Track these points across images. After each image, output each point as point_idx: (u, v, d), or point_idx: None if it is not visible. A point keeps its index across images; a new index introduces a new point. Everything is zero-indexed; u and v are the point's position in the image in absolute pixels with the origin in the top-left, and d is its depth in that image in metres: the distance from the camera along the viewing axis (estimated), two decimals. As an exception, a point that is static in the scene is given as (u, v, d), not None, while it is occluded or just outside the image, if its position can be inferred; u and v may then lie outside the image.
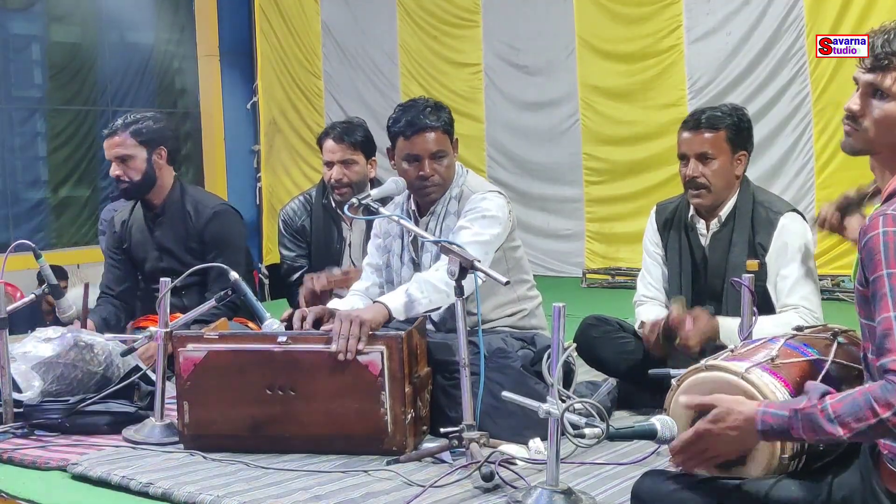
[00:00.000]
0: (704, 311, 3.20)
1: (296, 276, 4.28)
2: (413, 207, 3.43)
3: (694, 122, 3.32)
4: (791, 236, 3.24)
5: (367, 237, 3.99)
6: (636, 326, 3.48)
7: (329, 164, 4.14)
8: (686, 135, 3.33)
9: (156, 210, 4.25)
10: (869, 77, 1.94)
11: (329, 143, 4.13)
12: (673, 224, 3.47)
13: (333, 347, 2.86)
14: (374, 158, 4.20)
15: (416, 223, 3.38)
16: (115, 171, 4.14)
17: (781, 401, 1.94)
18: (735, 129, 3.29)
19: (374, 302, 3.05)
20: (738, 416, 1.95)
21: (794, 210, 3.34)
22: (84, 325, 3.86)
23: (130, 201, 4.38)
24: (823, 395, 1.84)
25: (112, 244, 4.40)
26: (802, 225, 3.29)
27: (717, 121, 3.29)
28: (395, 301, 2.98)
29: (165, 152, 4.18)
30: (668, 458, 2.32)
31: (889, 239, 1.80)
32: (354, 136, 4.11)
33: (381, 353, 2.85)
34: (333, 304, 3.39)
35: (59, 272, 6.93)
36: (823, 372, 2.13)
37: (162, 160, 4.17)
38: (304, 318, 3.11)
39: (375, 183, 4.04)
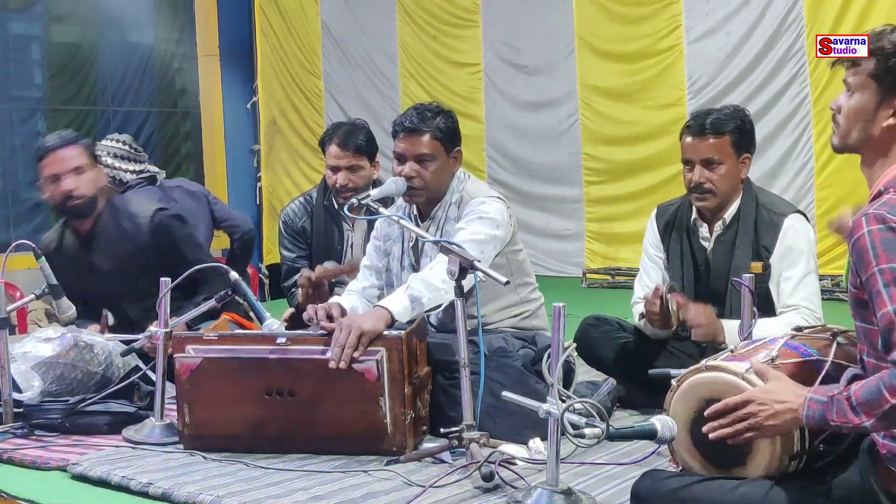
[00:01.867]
0: (709, 306, 3.20)
1: (296, 276, 4.28)
2: (415, 212, 3.43)
3: (698, 128, 3.27)
4: (795, 238, 3.23)
5: (368, 238, 3.99)
6: (636, 321, 3.46)
7: (334, 169, 4.11)
8: (690, 140, 3.29)
9: (86, 235, 3.90)
10: (845, 76, 2.05)
11: (333, 149, 4.09)
12: (674, 227, 3.46)
13: (328, 355, 2.85)
14: (377, 160, 4.19)
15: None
16: (64, 186, 3.74)
17: (823, 387, 1.96)
18: (739, 133, 3.26)
19: (376, 306, 3.04)
20: (789, 394, 1.97)
21: (797, 211, 3.33)
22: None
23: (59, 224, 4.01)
24: (851, 380, 1.86)
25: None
26: (806, 226, 3.29)
27: (722, 125, 3.25)
28: (396, 304, 2.97)
29: (105, 175, 3.93)
30: (668, 458, 2.33)
31: (875, 237, 1.84)
32: (357, 141, 4.08)
33: (377, 362, 2.84)
34: (335, 300, 3.38)
35: None
36: (823, 372, 2.13)
37: (102, 183, 3.91)
38: (316, 312, 3.08)
39: (376, 183, 4.04)
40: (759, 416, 1.98)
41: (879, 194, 1.94)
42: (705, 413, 2.08)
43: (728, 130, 3.25)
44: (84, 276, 3.88)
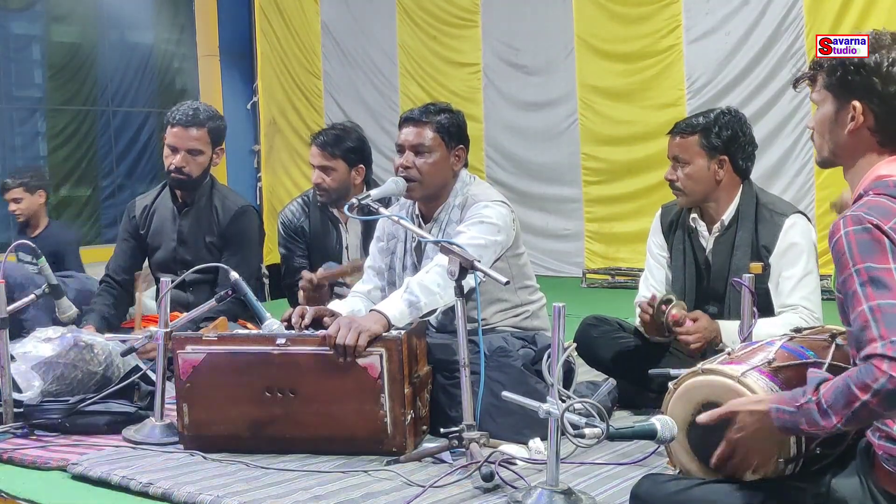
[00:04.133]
0: (704, 315, 3.20)
1: (296, 276, 4.29)
2: (417, 213, 3.44)
3: (674, 126, 3.37)
4: (796, 238, 3.23)
5: (365, 239, 3.99)
6: (637, 321, 3.47)
7: (312, 166, 4.25)
8: (669, 138, 3.38)
9: (185, 201, 4.33)
10: (810, 95, 2.11)
11: (312, 148, 4.26)
12: (677, 226, 3.47)
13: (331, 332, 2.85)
14: (360, 166, 4.20)
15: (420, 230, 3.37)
16: (177, 161, 4.15)
17: (789, 394, 1.96)
18: (706, 133, 3.27)
19: (372, 310, 3.03)
20: (756, 417, 1.99)
21: (799, 212, 3.33)
22: None
23: (154, 189, 4.48)
24: (818, 385, 1.87)
25: (127, 229, 4.43)
26: (807, 226, 3.29)
27: (691, 126, 3.30)
28: (393, 309, 2.96)
29: (222, 152, 4.36)
30: (666, 460, 2.33)
31: (851, 238, 1.88)
32: (338, 146, 4.16)
33: (381, 356, 2.85)
34: (334, 305, 3.39)
35: None
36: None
37: (218, 159, 4.32)
38: (302, 316, 3.11)
39: (375, 184, 4.05)
40: (754, 450, 2.02)
41: (860, 197, 1.97)
42: (696, 419, 2.10)
43: (696, 131, 3.29)
44: (163, 236, 4.35)
